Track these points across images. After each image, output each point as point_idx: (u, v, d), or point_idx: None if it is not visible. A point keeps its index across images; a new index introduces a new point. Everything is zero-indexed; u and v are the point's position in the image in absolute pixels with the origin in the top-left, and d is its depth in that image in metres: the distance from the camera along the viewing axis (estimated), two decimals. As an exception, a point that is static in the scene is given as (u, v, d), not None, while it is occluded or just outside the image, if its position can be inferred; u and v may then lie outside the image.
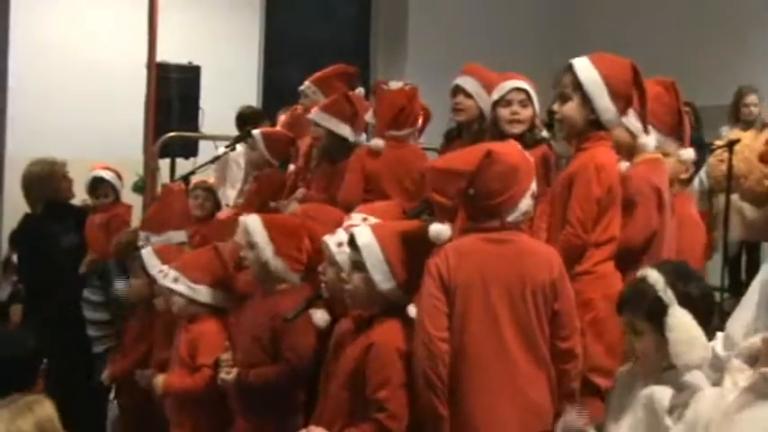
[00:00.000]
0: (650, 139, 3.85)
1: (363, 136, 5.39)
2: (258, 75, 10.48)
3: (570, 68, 3.69)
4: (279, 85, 10.07)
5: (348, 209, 4.26)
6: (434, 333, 3.14)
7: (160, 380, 4.40)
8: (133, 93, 7.46)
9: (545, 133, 4.50)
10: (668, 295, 2.75)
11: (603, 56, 3.72)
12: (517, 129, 4.37)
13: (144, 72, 6.93)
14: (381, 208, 4.04)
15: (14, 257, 7.46)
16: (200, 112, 8.38)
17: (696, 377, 2.77)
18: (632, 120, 3.83)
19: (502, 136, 4.23)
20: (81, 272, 6.12)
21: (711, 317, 2.84)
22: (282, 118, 6.98)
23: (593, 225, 3.60)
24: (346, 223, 3.77)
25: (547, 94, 4.49)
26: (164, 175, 7.65)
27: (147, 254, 4.87)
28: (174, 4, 8.19)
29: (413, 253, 3.34)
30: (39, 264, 6.34)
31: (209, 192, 6.18)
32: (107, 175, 6.60)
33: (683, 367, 2.72)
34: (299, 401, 3.97)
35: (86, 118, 9.13)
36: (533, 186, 3.30)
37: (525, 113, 4.40)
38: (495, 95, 4.44)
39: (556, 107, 4.03)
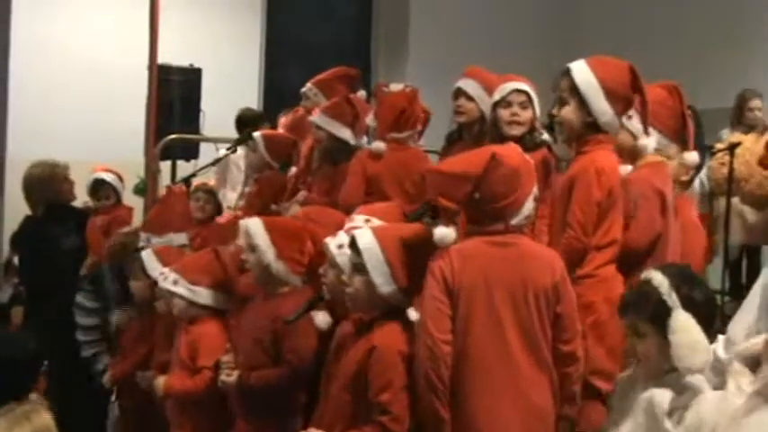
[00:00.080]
0: (650, 141, 3.86)
1: (364, 139, 5.39)
2: (259, 77, 10.49)
3: (568, 72, 3.70)
4: (280, 87, 10.08)
5: (349, 211, 4.26)
6: (437, 335, 3.14)
7: (161, 381, 4.40)
8: (134, 95, 7.47)
9: (545, 136, 4.50)
10: (672, 298, 2.75)
11: (601, 59, 3.74)
12: (516, 130, 4.36)
13: (145, 74, 6.93)
14: (382, 209, 4.05)
15: (15, 259, 7.47)
16: (201, 114, 8.38)
17: (697, 380, 2.78)
18: (635, 122, 3.84)
19: (501, 137, 4.24)
20: (82, 274, 6.12)
21: (713, 320, 2.84)
22: (283, 120, 6.98)
23: (594, 228, 3.61)
24: (348, 225, 3.77)
25: (547, 96, 4.50)
26: (164, 178, 7.65)
27: (148, 256, 4.88)
28: (175, 5, 8.19)
29: (414, 256, 3.34)
30: (40, 266, 6.34)
31: (210, 194, 6.19)
32: (108, 177, 6.61)
33: (686, 370, 2.73)
34: (300, 403, 3.97)
35: (87, 120, 9.14)
36: (535, 189, 3.31)
37: (525, 115, 4.40)
38: (496, 96, 4.45)
39: (555, 110, 4.04)
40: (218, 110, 8.20)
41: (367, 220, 3.76)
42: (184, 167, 7.71)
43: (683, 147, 4.04)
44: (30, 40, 9.24)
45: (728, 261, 7.55)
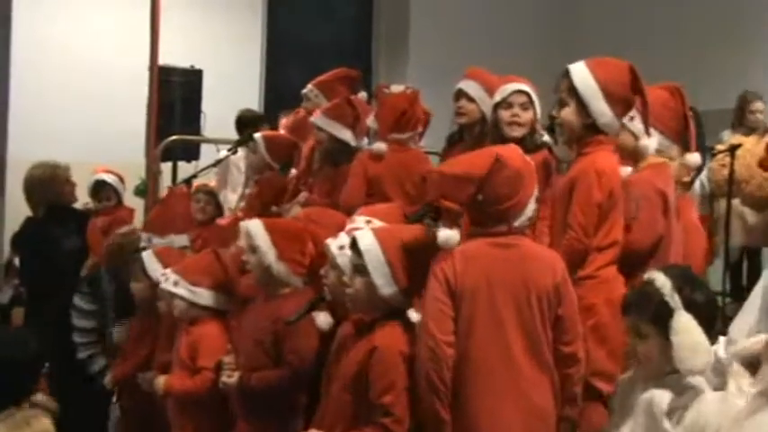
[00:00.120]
0: (651, 142, 3.86)
1: (365, 140, 5.39)
2: (260, 78, 10.50)
3: (567, 74, 3.71)
4: (280, 88, 10.09)
5: (350, 212, 4.26)
6: (440, 337, 3.15)
7: (161, 381, 4.40)
8: (135, 96, 7.48)
9: (546, 138, 4.50)
10: (675, 300, 2.76)
11: (601, 60, 3.74)
12: (517, 131, 4.36)
13: (146, 75, 6.94)
14: (382, 210, 4.05)
15: (16, 261, 7.47)
16: (202, 115, 8.39)
17: (697, 381, 2.78)
18: (637, 123, 3.84)
19: (502, 139, 4.24)
20: (82, 275, 6.12)
21: (714, 322, 2.85)
22: (284, 121, 6.99)
23: (595, 230, 3.61)
24: (349, 226, 3.77)
25: (548, 98, 4.50)
26: (165, 179, 7.67)
27: (149, 257, 4.88)
28: (176, 6, 8.21)
29: (414, 257, 3.34)
30: (40, 267, 6.34)
31: (211, 195, 6.19)
32: (109, 178, 6.61)
33: (687, 372, 2.73)
34: (301, 404, 3.97)
35: (88, 121, 9.15)
36: (536, 191, 3.32)
37: (526, 116, 4.40)
38: (497, 97, 4.45)
39: (555, 112, 4.04)
40: (219, 111, 8.20)
41: (368, 222, 3.76)
42: (185, 169, 7.72)
43: (685, 148, 4.04)
44: (30, 41, 9.25)
45: (729, 263, 7.56)
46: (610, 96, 3.64)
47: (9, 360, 3.52)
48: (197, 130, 8.34)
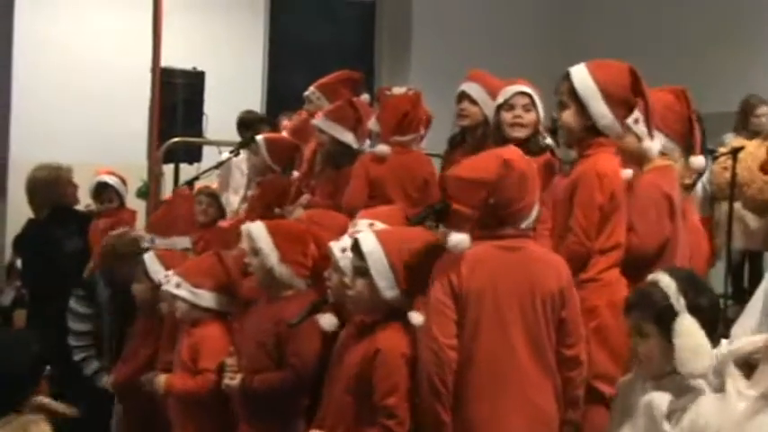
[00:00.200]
0: (655, 144, 3.84)
1: (367, 143, 5.39)
2: (262, 80, 10.51)
3: (567, 76, 3.70)
4: (283, 90, 10.09)
5: (352, 214, 4.26)
6: (443, 340, 3.15)
7: (162, 379, 4.41)
8: (137, 97, 7.48)
9: (549, 140, 4.50)
10: (680, 302, 2.77)
11: (601, 62, 3.74)
12: (519, 132, 4.36)
13: (148, 77, 6.95)
14: (384, 213, 4.04)
15: (18, 262, 7.48)
16: (204, 117, 8.40)
17: (697, 382, 2.78)
18: (641, 126, 3.83)
19: (504, 140, 4.24)
20: (84, 277, 6.13)
21: (717, 325, 2.85)
22: (285, 123, 6.99)
23: (597, 232, 3.60)
24: (351, 230, 3.77)
25: (550, 100, 4.50)
26: (167, 181, 7.67)
27: (150, 259, 4.89)
28: (178, 8, 8.22)
29: (416, 260, 3.34)
30: (42, 269, 6.34)
31: (213, 198, 6.20)
32: (111, 180, 6.62)
33: (688, 375, 2.73)
34: (303, 407, 3.97)
35: (90, 123, 9.17)
36: (539, 193, 3.32)
37: (528, 117, 4.40)
38: (500, 99, 4.44)
39: (556, 114, 4.04)
40: (221, 113, 8.22)
41: (371, 225, 3.76)
42: (187, 170, 7.73)
43: (689, 151, 4.04)
44: (32, 43, 9.26)
45: (731, 265, 7.56)
46: (610, 98, 3.64)
47: (9, 363, 3.51)
48: (199, 132, 8.35)
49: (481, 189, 3.20)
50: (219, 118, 8.28)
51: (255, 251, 4.03)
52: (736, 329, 3.12)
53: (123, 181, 6.72)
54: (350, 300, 3.42)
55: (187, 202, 5.79)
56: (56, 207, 6.39)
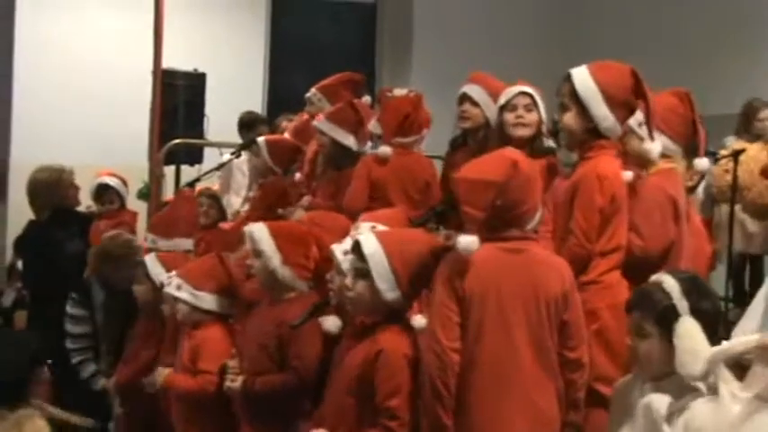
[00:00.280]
0: (656, 146, 3.84)
1: (368, 144, 5.39)
2: (263, 82, 10.51)
3: (568, 78, 3.70)
4: (284, 92, 10.08)
5: (353, 216, 4.26)
6: (447, 344, 3.15)
7: (163, 372, 4.41)
8: (138, 99, 7.49)
9: (551, 142, 4.50)
10: (682, 304, 2.77)
11: (602, 64, 3.73)
12: (521, 132, 4.36)
13: (149, 78, 6.95)
14: (386, 215, 4.04)
15: (19, 264, 7.47)
16: (206, 118, 8.40)
17: (696, 384, 2.78)
18: (644, 127, 3.83)
19: (506, 140, 4.24)
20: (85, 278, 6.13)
21: (718, 328, 2.85)
22: (285, 124, 6.99)
23: (598, 235, 3.60)
24: (353, 233, 3.76)
25: (551, 101, 4.50)
26: (169, 182, 7.67)
27: (151, 260, 4.88)
28: (179, 10, 8.22)
29: (418, 262, 3.34)
30: (43, 270, 6.34)
31: (214, 199, 6.19)
32: (112, 181, 6.62)
33: (687, 377, 2.73)
34: (305, 409, 3.96)
35: (91, 124, 9.17)
36: (541, 195, 3.33)
37: (530, 117, 4.40)
38: (502, 100, 4.45)
39: (557, 116, 4.04)
40: (223, 114, 8.22)
41: (373, 228, 3.75)
42: (188, 172, 7.73)
43: (693, 153, 4.03)
44: (33, 45, 9.27)
45: (732, 267, 7.56)
46: (611, 100, 3.63)
47: (4, 363, 3.51)
48: (200, 134, 8.35)
49: (490, 190, 3.19)
50: (220, 119, 8.29)
51: (258, 253, 4.03)
52: (737, 332, 3.11)
53: (124, 182, 6.73)
54: (350, 301, 3.42)
55: (190, 204, 5.79)
56: (57, 209, 6.39)
